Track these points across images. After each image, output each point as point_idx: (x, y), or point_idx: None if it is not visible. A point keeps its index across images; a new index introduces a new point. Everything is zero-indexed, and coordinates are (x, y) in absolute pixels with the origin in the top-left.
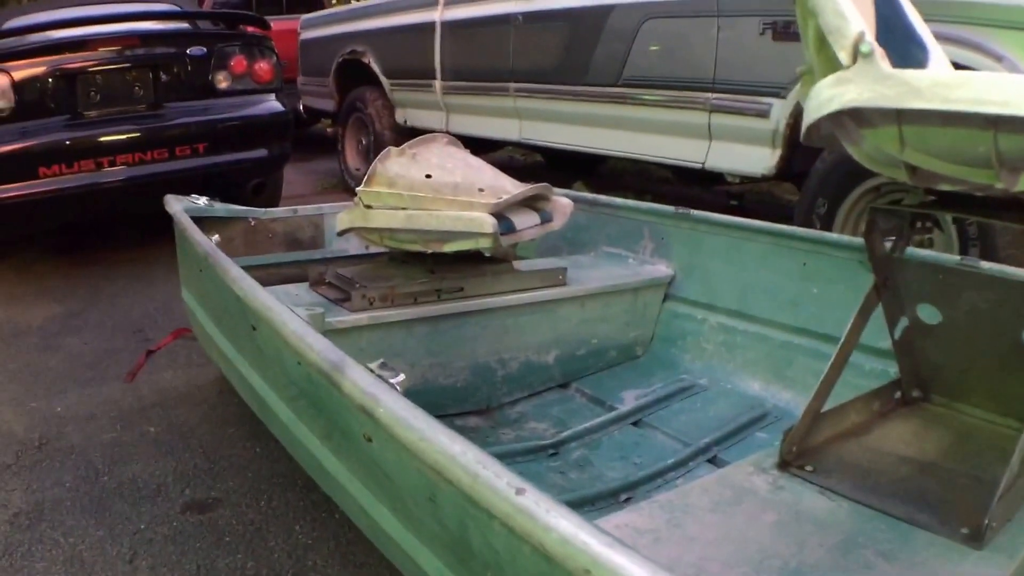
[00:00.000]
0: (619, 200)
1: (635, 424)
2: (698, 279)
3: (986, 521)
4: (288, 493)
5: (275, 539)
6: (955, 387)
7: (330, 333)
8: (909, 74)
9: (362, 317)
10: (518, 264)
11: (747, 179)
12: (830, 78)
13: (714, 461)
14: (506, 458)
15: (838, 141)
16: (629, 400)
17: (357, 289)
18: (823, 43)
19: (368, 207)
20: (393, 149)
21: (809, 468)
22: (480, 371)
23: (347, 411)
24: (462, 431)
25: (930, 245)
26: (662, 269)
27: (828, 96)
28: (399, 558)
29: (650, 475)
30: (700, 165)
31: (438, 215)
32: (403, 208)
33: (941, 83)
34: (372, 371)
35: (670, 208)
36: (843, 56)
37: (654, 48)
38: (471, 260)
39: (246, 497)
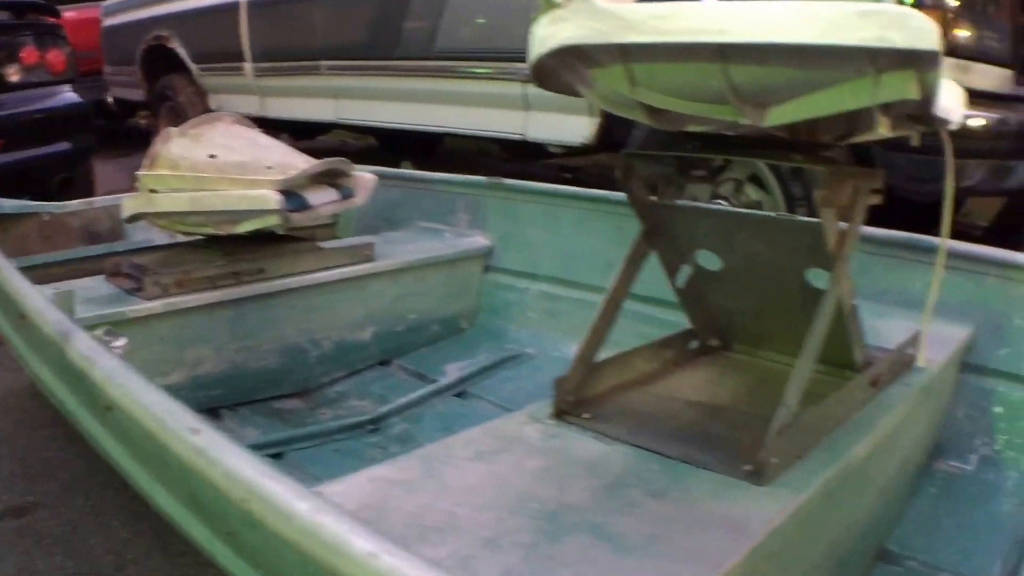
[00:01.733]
0: (431, 174)
1: (459, 395)
2: (517, 248)
3: (764, 455)
4: (106, 490)
5: (94, 537)
6: (752, 333)
7: (126, 323)
8: (623, 8)
9: (156, 305)
10: (325, 243)
11: (572, 150)
12: (546, 17)
13: None
14: (324, 436)
15: (573, 85)
16: (453, 372)
17: (150, 276)
18: None
19: (152, 191)
20: (174, 130)
21: (587, 416)
22: (292, 353)
23: (83, 382)
24: (278, 414)
25: (758, 207)
26: (479, 240)
27: (543, 36)
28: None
29: None
30: (520, 136)
31: (223, 195)
32: (187, 190)
33: (656, 15)
34: (97, 338)
35: (483, 179)
36: None
37: (465, 18)
38: (272, 241)
39: (64, 498)
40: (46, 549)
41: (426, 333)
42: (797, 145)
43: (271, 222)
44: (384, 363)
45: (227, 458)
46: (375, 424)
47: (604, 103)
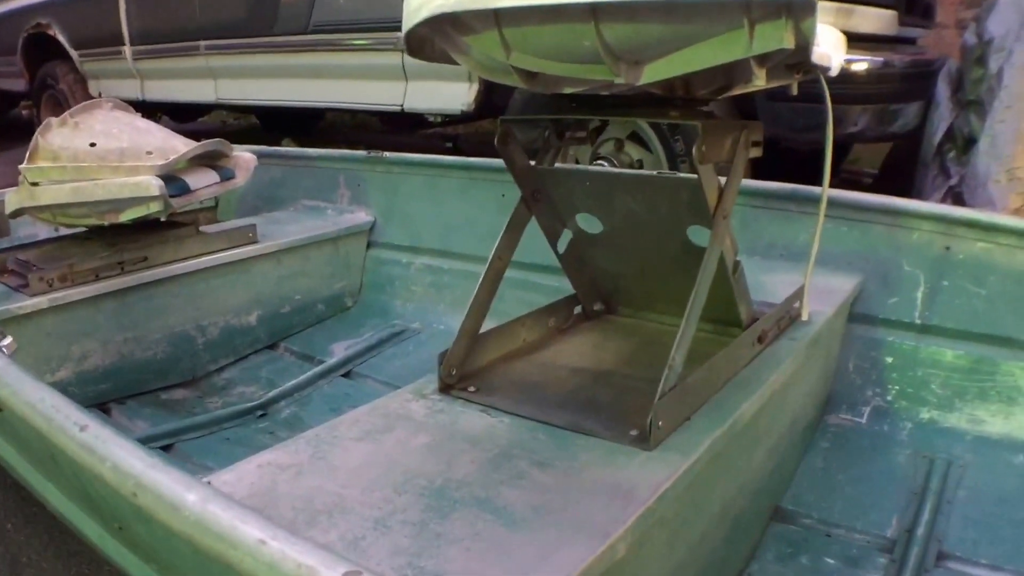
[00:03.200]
0: (312, 151)
1: (346, 375)
2: (399, 222)
3: (650, 419)
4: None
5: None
6: (636, 296)
7: (12, 321)
8: None
9: (42, 301)
10: (207, 227)
11: (452, 118)
12: None
13: None
14: (213, 425)
15: (448, 54)
16: (339, 352)
17: (34, 272)
18: None
19: (34, 184)
20: (54, 120)
21: (472, 389)
22: (179, 341)
23: None
24: (166, 404)
25: (640, 166)
26: (361, 216)
27: (417, 5)
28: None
29: None
30: (399, 108)
31: (104, 184)
32: (68, 181)
33: None
34: None
35: (362, 152)
36: None
37: None
38: (155, 229)
39: None
40: None
41: (312, 313)
42: (674, 101)
43: (153, 209)
44: (271, 347)
45: (115, 452)
46: (263, 409)
47: (479, 70)
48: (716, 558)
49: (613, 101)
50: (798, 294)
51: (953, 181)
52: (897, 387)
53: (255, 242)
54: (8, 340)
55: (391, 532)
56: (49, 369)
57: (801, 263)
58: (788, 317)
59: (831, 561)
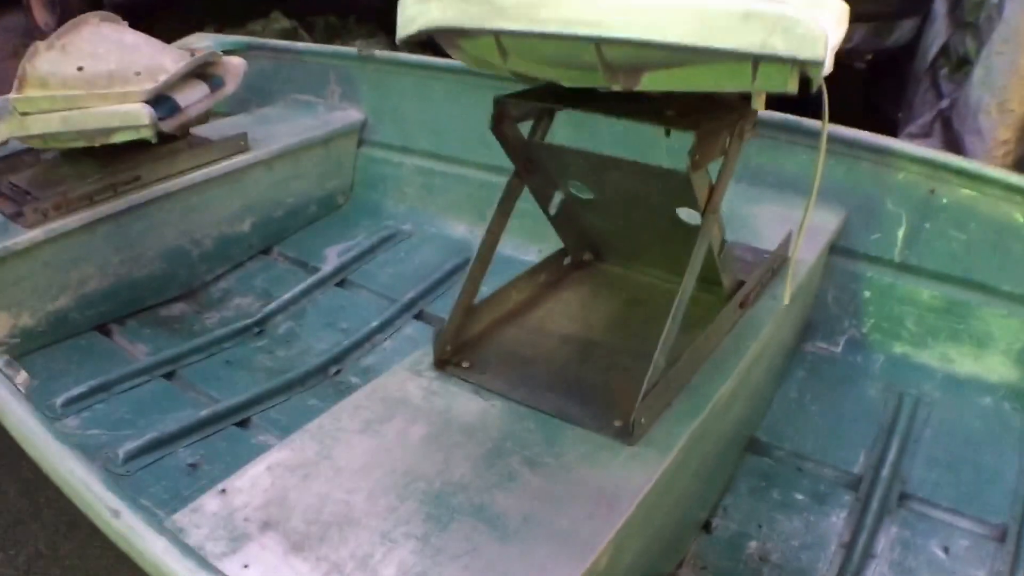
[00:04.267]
0: (301, 44)
1: (340, 284)
2: (391, 122)
3: (633, 419)
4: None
5: (5, 480)
6: (624, 251)
7: (10, 257)
8: None
9: (38, 234)
10: (197, 130)
11: None
12: None
13: (421, 316)
14: (212, 347)
15: (443, 47)
16: (332, 257)
17: (30, 203)
18: None
19: (24, 114)
20: (40, 44)
21: (466, 364)
22: (175, 255)
23: None
24: (166, 321)
25: None
26: (353, 115)
27: (412, 15)
28: None
29: (357, 341)
30: None
31: (94, 113)
32: (58, 110)
33: (526, 3)
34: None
35: (353, 50)
36: None
37: None
38: (146, 146)
39: None
40: None
41: (304, 215)
42: (670, 100)
43: (144, 134)
44: (265, 251)
45: (147, 549)
46: (260, 326)
47: (472, 64)
48: (694, 499)
49: (607, 96)
50: (785, 244)
51: (944, 104)
52: (873, 320)
53: (247, 150)
54: (23, 377)
55: (397, 547)
56: (49, 297)
57: (787, 193)
58: (772, 270)
59: (800, 497)
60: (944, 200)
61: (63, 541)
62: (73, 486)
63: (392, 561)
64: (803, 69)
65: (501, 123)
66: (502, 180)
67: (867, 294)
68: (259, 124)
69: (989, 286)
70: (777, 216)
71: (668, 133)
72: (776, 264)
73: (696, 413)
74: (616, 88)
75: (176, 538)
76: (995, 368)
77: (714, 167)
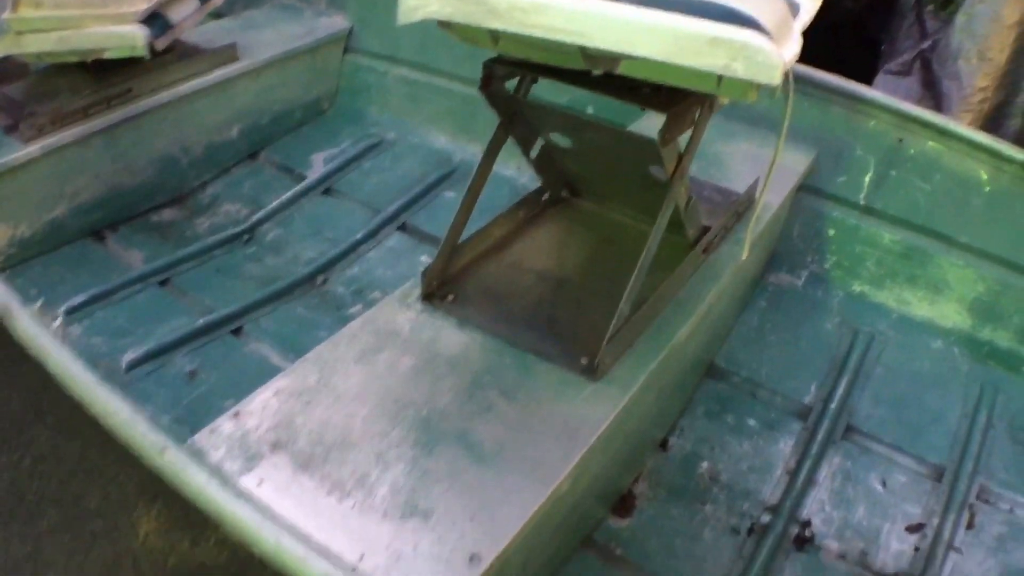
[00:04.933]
0: None
1: (326, 192)
2: (377, 31)
3: (597, 360)
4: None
5: (7, 386)
6: (598, 192)
7: (7, 173)
8: None
9: (34, 149)
10: (187, 36)
11: None
12: None
13: (404, 228)
14: (203, 255)
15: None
16: (318, 164)
17: (26, 118)
18: None
19: (19, 33)
20: None
21: (451, 298)
22: (166, 163)
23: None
24: (158, 228)
25: None
26: (339, 22)
27: (413, 5)
28: None
29: (343, 251)
30: None
31: (88, 33)
32: (53, 30)
33: (518, 7)
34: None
35: None
36: None
37: None
38: (138, 59)
39: None
40: None
41: (290, 120)
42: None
43: (138, 52)
44: (252, 156)
45: (192, 481)
46: (249, 233)
47: (461, 39)
48: (653, 421)
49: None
50: (752, 189)
51: (925, 45)
52: (835, 258)
53: (236, 60)
54: (58, 322)
55: (390, 469)
56: (45, 208)
57: (759, 129)
58: (738, 214)
59: (752, 422)
60: (911, 150)
61: (66, 444)
62: (84, 396)
63: (386, 481)
64: (764, 88)
65: (489, 84)
66: None
67: (831, 232)
68: (246, 30)
69: (948, 236)
70: (748, 155)
71: (643, 110)
72: (742, 208)
73: (656, 353)
74: (596, 72)
75: (197, 452)
76: (948, 315)
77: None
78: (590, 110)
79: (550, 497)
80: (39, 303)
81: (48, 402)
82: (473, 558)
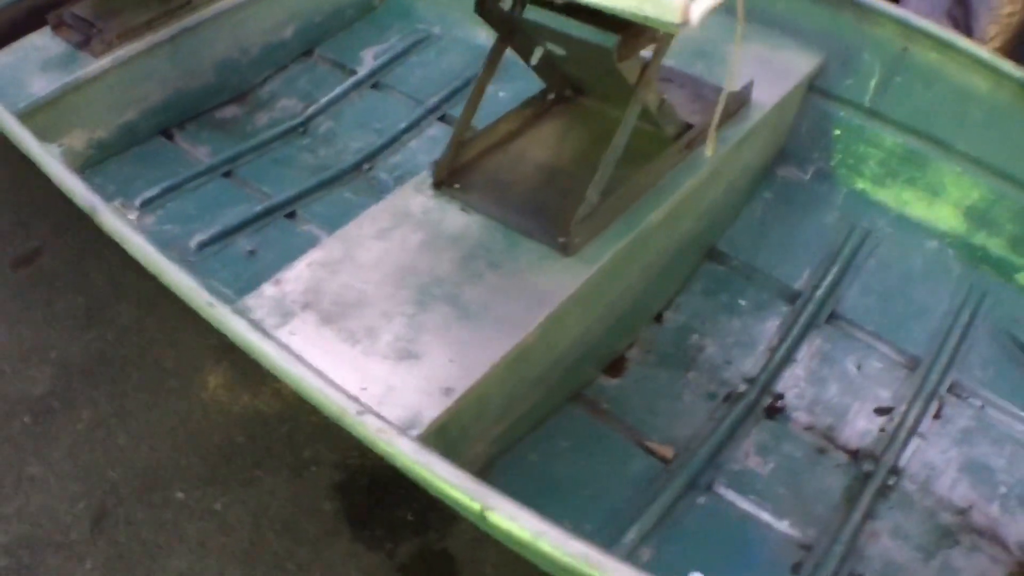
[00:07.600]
0: None
1: (374, 87)
2: None
3: (567, 240)
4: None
5: (93, 270)
6: (599, 91)
7: (84, 85)
8: None
9: (106, 62)
10: None
11: None
12: None
13: (444, 119)
14: (262, 148)
15: None
16: (368, 59)
17: (96, 35)
18: None
19: None
20: None
21: (457, 186)
22: (226, 65)
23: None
24: (220, 124)
25: None
26: None
27: None
28: None
29: (387, 141)
30: None
31: None
32: None
33: None
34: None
35: None
36: None
37: None
38: None
39: (61, 238)
40: (59, 290)
41: (341, 18)
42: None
43: None
44: (307, 54)
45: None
46: (304, 126)
47: None
48: (643, 294)
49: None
50: (747, 91)
51: None
52: (840, 156)
53: None
54: (135, 214)
55: (393, 322)
56: (117, 113)
57: (771, 30)
58: (727, 112)
59: (743, 303)
60: (916, 59)
61: (146, 317)
62: (160, 273)
63: (390, 331)
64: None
65: (484, 3)
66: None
67: (837, 132)
68: None
69: (947, 143)
70: (755, 56)
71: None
72: (733, 108)
73: (626, 234)
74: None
75: (245, 310)
76: (944, 218)
77: None
78: None
79: (516, 347)
80: (119, 200)
81: (130, 282)
82: (448, 391)
